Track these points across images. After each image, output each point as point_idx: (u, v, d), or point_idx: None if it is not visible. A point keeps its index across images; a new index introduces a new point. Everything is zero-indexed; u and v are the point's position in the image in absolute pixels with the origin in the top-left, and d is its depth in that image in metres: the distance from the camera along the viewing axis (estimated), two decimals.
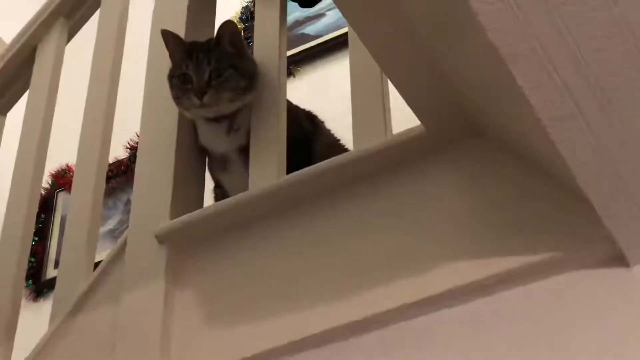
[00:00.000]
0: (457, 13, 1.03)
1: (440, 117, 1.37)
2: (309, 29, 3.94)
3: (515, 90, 1.00)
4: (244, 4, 4.22)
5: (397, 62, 1.29)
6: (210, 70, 1.71)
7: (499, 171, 1.33)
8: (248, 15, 4.18)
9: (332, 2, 2.24)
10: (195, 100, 1.69)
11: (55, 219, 4.34)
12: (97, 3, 2.18)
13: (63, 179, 4.30)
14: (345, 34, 3.78)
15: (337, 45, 3.84)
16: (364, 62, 1.59)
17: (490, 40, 0.93)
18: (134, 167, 4.07)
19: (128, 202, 4.11)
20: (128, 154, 4.13)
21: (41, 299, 4.07)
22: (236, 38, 1.77)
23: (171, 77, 1.76)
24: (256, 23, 1.82)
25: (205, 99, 1.69)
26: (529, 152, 1.27)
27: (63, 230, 4.23)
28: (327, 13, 3.95)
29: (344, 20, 3.85)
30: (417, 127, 1.41)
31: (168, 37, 1.77)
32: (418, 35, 1.21)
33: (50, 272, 4.11)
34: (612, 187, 1.08)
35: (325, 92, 3.50)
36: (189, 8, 1.88)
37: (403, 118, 1.55)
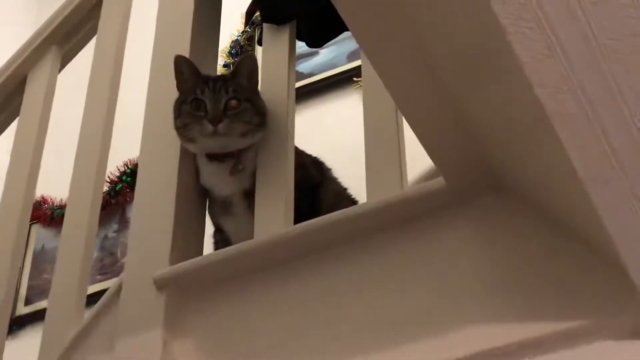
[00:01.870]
0: (494, 63, 1.02)
1: (462, 171, 1.36)
2: (302, 67, 3.94)
3: (555, 149, 0.99)
4: (234, 38, 4.22)
5: (422, 114, 1.28)
6: (227, 98, 1.70)
7: (522, 229, 1.31)
8: (238, 49, 4.18)
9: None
10: (209, 128, 1.67)
11: (27, 253, 4.29)
12: (92, 31, 2.17)
13: (37, 212, 4.25)
14: (340, 73, 3.87)
15: (330, 85, 3.84)
16: (378, 106, 1.58)
17: (536, 96, 0.92)
18: (113, 201, 4.11)
19: (105, 238, 4.08)
20: (107, 188, 4.10)
21: (9, 337, 4.01)
22: (254, 74, 1.77)
23: (181, 102, 1.74)
24: (263, 60, 1.81)
25: (220, 127, 1.67)
26: (557, 212, 1.26)
27: (36, 265, 4.24)
28: (321, 51, 3.95)
29: (338, 58, 3.88)
30: (437, 181, 1.39)
31: (182, 62, 1.75)
32: (446, 86, 1.21)
33: (20, 309, 4.05)
34: None
35: (317, 134, 3.50)
36: (192, 39, 1.86)
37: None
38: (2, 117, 2.24)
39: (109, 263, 4.02)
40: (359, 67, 3.68)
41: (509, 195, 1.34)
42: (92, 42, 2.15)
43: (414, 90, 1.23)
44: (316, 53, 3.95)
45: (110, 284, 3.57)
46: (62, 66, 2.22)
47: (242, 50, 4.16)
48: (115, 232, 4.13)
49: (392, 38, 1.14)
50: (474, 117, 1.24)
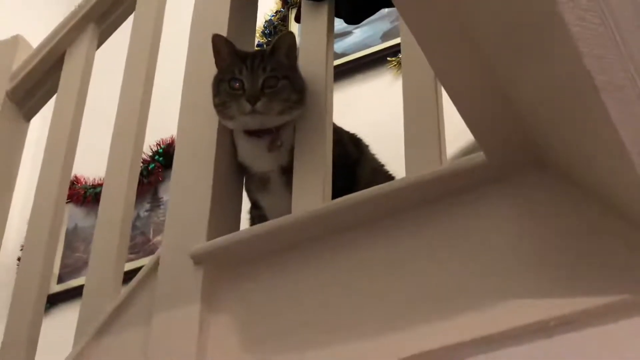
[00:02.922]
0: (540, 33, 1.01)
1: (503, 146, 1.35)
2: (336, 47, 3.92)
3: (602, 123, 0.98)
4: (268, 18, 4.22)
5: (463, 86, 1.26)
6: (265, 77, 1.70)
7: (564, 206, 1.30)
8: (272, 29, 4.18)
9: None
10: (247, 106, 1.67)
11: (61, 232, 4.32)
12: (130, 8, 2.17)
13: (71, 191, 4.27)
14: (373, 53, 3.85)
15: (364, 65, 3.83)
16: (417, 83, 1.57)
17: (585, 67, 0.91)
18: (145, 181, 4.13)
19: (137, 217, 4.10)
20: (141, 167, 4.12)
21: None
22: (292, 51, 1.77)
23: (219, 81, 1.75)
24: (301, 37, 1.80)
25: (258, 105, 1.67)
26: (600, 188, 1.25)
27: (69, 243, 4.26)
28: (355, 31, 3.94)
29: (372, 38, 3.86)
30: (477, 155, 1.38)
31: (220, 41, 1.75)
32: (488, 57, 1.19)
33: (53, 287, 4.08)
34: None
35: (350, 114, 3.48)
36: (231, 13, 1.86)
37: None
38: (40, 94, 2.25)
39: (140, 242, 4.04)
40: (392, 47, 3.70)
41: (551, 171, 1.33)
42: (130, 20, 2.15)
43: (455, 62, 1.22)
44: (350, 33, 3.94)
45: (142, 262, 3.60)
46: (100, 44, 2.23)
47: (276, 30, 4.16)
48: (147, 211, 4.15)
49: (433, 7, 1.13)
50: (516, 90, 1.22)
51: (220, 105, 1.71)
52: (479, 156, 1.38)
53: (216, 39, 1.75)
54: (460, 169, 1.40)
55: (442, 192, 1.42)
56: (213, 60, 1.78)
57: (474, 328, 1.27)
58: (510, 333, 1.25)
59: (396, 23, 3.61)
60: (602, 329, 1.21)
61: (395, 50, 3.67)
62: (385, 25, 3.82)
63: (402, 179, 1.47)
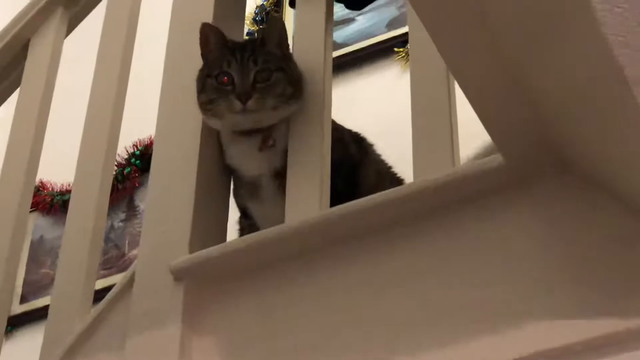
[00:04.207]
0: (564, 20, 1.02)
1: (522, 147, 1.35)
2: (336, 36, 3.94)
3: (634, 120, 0.99)
4: (259, 3, 4.23)
5: (479, 80, 1.27)
6: (256, 71, 1.71)
7: (591, 213, 1.31)
8: (264, 15, 4.19)
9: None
10: (237, 105, 1.68)
11: (24, 245, 4.31)
12: None
13: (36, 198, 4.28)
14: (378, 43, 3.86)
15: (368, 55, 3.84)
16: (427, 76, 1.58)
17: (615, 58, 0.92)
18: (120, 187, 4.13)
19: (111, 228, 4.10)
20: (114, 173, 4.12)
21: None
22: (284, 38, 1.77)
23: (205, 76, 1.75)
24: (296, 24, 1.81)
25: (250, 103, 1.68)
26: (631, 192, 1.26)
27: (34, 257, 4.27)
28: (357, 18, 3.95)
29: (377, 26, 3.87)
30: (494, 158, 1.39)
31: (209, 31, 1.76)
32: (506, 48, 1.20)
33: (15, 307, 4.08)
34: None
35: (353, 111, 3.49)
36: (216, 5, 1.86)
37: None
38: (0, 88, 2.25)
39: (114, 256, 4.05)
40: (400, 36, 3.71)
41: (576, 174, 1.34)
42: (104, 3, 2.15)
43: (470, 54, 1.23)
44: (352, 20, 3.94)
45: (116, 279, 3.60)
46: (69, 31, 2.23)
47: (268, 16, 4.16)
48: (122, 221, 4.16)
49: None
50: (536, 86, 1.23)
51: (207, 103, 1.72)
52: (496, 158, 1.39)
53: (205, 28, 1.75)
54: (475, 172, 1.41)
55: (455, 199, 1.42)
56: (197, 50, 1.78)
57: (490, 353, 1.28)
58: (531, 358, 1.26)
59: (404, 9, 3.61)
60: (632, 355, 1.22)
61: (403, 40, 3.68)
62: (391, 12, 3.83)
63: (410, 184, 1.48)
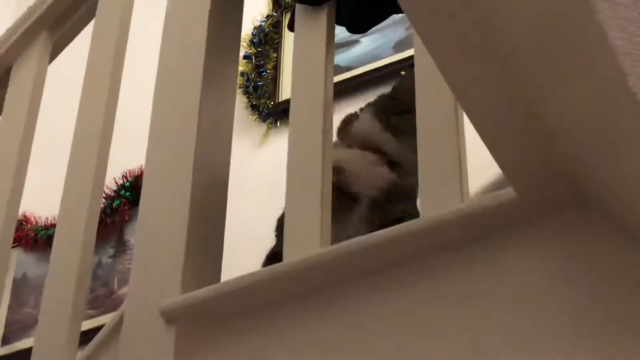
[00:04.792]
0: (577, 49, 1.02)
1: (536, 181, 1.36)
2: (339, 59, 3.95)
3: None
4: (257, 24, 4.24)
5: (489, 111, 1.28)
6: None
7: (611, 252, 1.31)
8: (262, 37, 4.20)
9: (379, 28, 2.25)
10: None
11: (6, 283, 4.32)
12: (90, 13, 2.18)
13: (18, 233, 4.29)
14: (384, 66, 3.87)
15: (373, 80, 3.85)
16: (434, 103, 1.58)
17: (630, 89, 0.93)
18: (109, 220, 4.14)
19: (99, 265, 4.11)
20: (103, 205, 4.13)
21: None
22: None
23: None
24: (295, 49, 1.82)
25: None
26: None
27: (16, 296, 4.27)
28: (362, 40, 3.96)
29: (382, 48, 3.89)
30: (505, 192, 1.39)
31: None
32: (518, 78, 1.21)
33: None
34: None
35: None
36: (211, 19, 1.87)
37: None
38: None
39: (102, 294, 4.05)
40: (407, 58, 3.72)
41: (594, 210, 1.34)
42: (90, 27, 2.16)
43: (480, 84, 1.24)
44: (356, 42, 3.96)
45: (104, 320, 3.60)
46: (53, 56, 2.24)
47: (267, 39, 4.17)
48: (110, 257, 4.17)
49: (453, 16, 1.14)
50: (551, 114, 1.24)
51: None
52: (508, 192, 1.39)
53: None
54: (484, 207, 1.41)
55: (463, 235, 1.43)
56: (187, 75, 1.80)
57: None
58: None
59: (411, 30, 3.63)
60: None
61: (410, 63, 3.68)
62: (398, 34, 3.84)
63: (414, 221, 1.47)
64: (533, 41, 1.11)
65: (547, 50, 1.09)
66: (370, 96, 3.80)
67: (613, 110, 1.04)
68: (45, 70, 2.20)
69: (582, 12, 0.89)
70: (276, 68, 4.15)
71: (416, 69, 1.65)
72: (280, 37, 4.17)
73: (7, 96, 2.18)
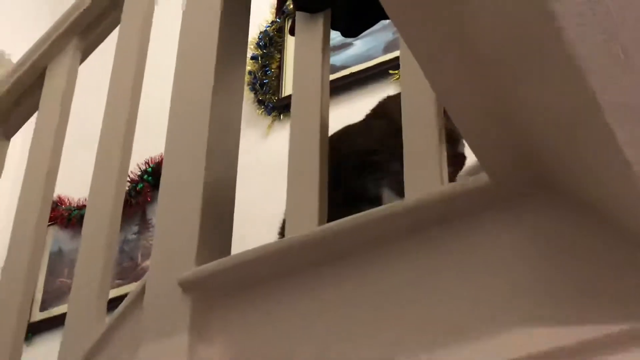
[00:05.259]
0: (543, 52, 1.02)
1: (507, 167, 1.35)
2: (335, 59, 3.94)
3: (608, 143, 0.99)
4: (262, 29, 4.23)
5: (465, 105, 1.27)
6: None
7: (573, 231, 1.31)
8: (267, 41, 4.19)
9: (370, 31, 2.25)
10: None
11: (43, 256, 4.31)
12: (115, 21, 2.18)
13: (54, 212, 4.28)
14: (375, 66, 3.86)
15: (365, 78, 3.84)
16: (418, 97, 1.58)
17: (590, 87, 0.93)
18: (133, 202, 4.14)
19: (125, 241, 4.10)
20: (128, 188, 4.12)
21: (24, 344, 4.04)
22: None
23: None
24: (295, 51, 1.82)
25: None
26: (608, 209, 1.26)
27: (52, 268, 4.27)
28: (355, 42, 3.95)
29: (374, 50, 3.88)
30: (479, 177, 1.39)
31: None
32: (491, 76, 1.21)
33: (36, 315, 4.08)
34: None
35: None
36: (221, 24, 1.87)
37: None
38: (20, 112, 2.26)
39: (128, 267, 4.04)
40: (396, 59, 3.71)
41: (559, 194, 1.33)
42: (115, 33, 2.16)
43: (457, 81, 1.23)
44: (350, 44, 3.95)
45: (129, 288, 3.61)
46: (83, 59, 2.24)
47: (271, 42, 4.17)
48: (135, 234, 4.16)
49: (433, 24, 1.14)
50: (521, 111, 1.23)
51: None
52: (482, 178, 1.39)
53: None
54: (461, 191, 1.41)
55: (443, 215, 1.42)
56: (201, 74, 1.80)
57: (479, 357, 1.28)
58: None
59: (399, 34, 3.62)
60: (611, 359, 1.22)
61: (398, 64, 3.68)
62: (388, 36, 3.83)
63: (400, 202, 1.47)
64: (503, 46, 1.11)
65: (514, 55, 1.09)
66: (362, 92, 3.81)
67: (572, 105, 1.04)
68: (77, 70, 2.20)
69: (544, 21, 0.89)
70: (279, 67, 4.14)
71: (402, 68, 1.64)
72: (283, 40, 4.16)
73: (43, 93, 2.17)
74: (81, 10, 2.18)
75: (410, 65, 1.59)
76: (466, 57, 1.18)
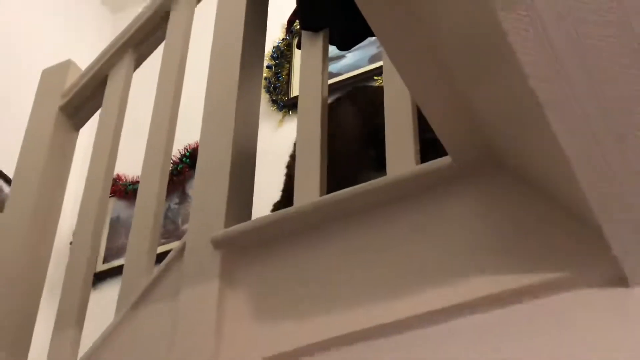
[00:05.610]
0: (494, 58, 1.02)
1: (466, 151, 1.36)
2: (330, 68, 3.93)
3: (547, 133, 0.99)
4: (275, 44, 4.23)
5: (433, 103, 1.28)
6: None
7: (516, 200, 1.32)
8: (278, 54, 4.20)
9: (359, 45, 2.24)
10: None
11: (105, 222, 4.31)
12: (161, 37, 2.17)
13: (114, 187, 4.28)
14: (362, 73, 3.86)
15: (354, 83, 3.82)
16: (396, 97, 1.57)
17: (531, 87, 0.93)
18: (175, 179, 4.14)
19: (168, 209, 4.10)
20: (171, 168, 4.11)
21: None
22: None
23: None
24: (301, 61, 1.81)
25: None
26: (546, 185, 1.26)
27: (112, 231, 4.27)
28: (347, 55, 3.94)
29: (361, 61, 3.87)
30: (445, 158, 1.39)
31: None
32: (453, 78, 1.21)
33: (100, 266, 4.09)
34: (623, 217, 1.07)
35: None
36: (244, 42, 1.87)
37: None
38: (87, 108, 2.25)
39: (171, 229, 4.04)
40: (378, 68, 3.71)
41: (506, 171, 1.34)
42: (161, 47, 2.15)
43: (426, 83, 1.24)
44: (343, 56, 3.94)
45: (172, 246, 3.61)
46: (136, 66, 2.23)
47: (282, 54, 4.17)
48: (176, 204, 4.16)
49: (407, 39, 1.14)
50: (478, 106, 1.24)
51: None
52: (447, 159, 1.39)
53: None
54: (430, 169, 1.41)
55: (417, 188, 1.43)
56: (228, 78, 1.80)
57: (441, 299, 1.29)
58: (471, 303, 1.26)
59: (382, 48, 3.61)
60: (546, 300, 1.22)
61: (380, 72, 3.67)
62: (372, 50, 3.84)
63: (383, 178, 1.47)
64: (461, 54, 1.10)
65: (472, 57, 1.09)
66: None
67: (518, 100, 1.04)
68: (131, 76, 2.19)
69: (496, 31, 0.89)
70: (288, 74, 4.14)
71: (384, 74, 1.64)
72: (291, 53, 4.15)
73: (105, 94, 2.16)
74: (135, 28, 2.17)
75: (390, 72, 1.58)
76: (434, 65, 1.19)
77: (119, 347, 1.63)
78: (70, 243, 3.86)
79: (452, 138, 1.34)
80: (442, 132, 1.32)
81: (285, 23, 4.17)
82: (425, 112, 1.28)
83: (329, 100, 1.85)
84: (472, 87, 1.19)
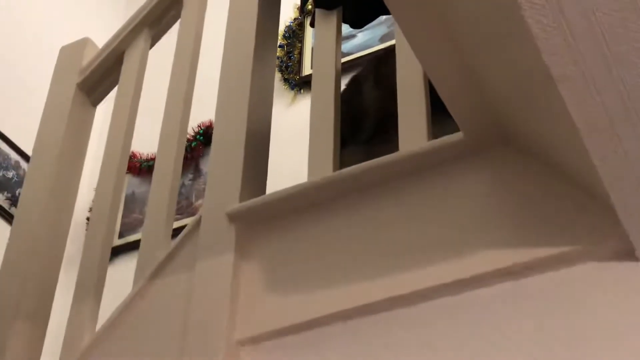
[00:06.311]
0: (508, 34, 1.01)
1: (477, 127, 1.35)
2: (343, 47, 3.90)
3: (558, 106, 0.98)
4: (287, 24, 4.22)
5: (445, 79, 1.27)
6: None
7: (526, 174, 1.31)
8: (291, 33, 4.19)
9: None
10: None
11: (121, 197, 4.32)
12: (177, 16, 2.17)
13: (129, 164, 4.28)
14: (373, 52, 3.83)
15: (364, 62, 3.82)
16: (408, 74, 1.57)
17: (545, 62, 0.92)
18: (189, 156, 4.14)
19: (182, 185, 4.11)
20: (185, 145, 4.11)
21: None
22: None
23: None
24: (315, 39, 1.81)
25: None
26: (555, 159, 1.26)
27: (127, 206, 4.28)
28: (358, 35, 3.92)
29: (372, 40, 3.85)
30: (456, 134, 1.39)
31: None
32: (465, 54, 1.20)
33: (115, 241, 4.10)
34: (633, 190, 1.07)
35: None
36: (258, 21, 1.86)
37: None
38: (104, 85, 2.25)
39: (185, 205, 4.05)
40: (389, 47, 3.68)
41: (516, 146, 1.34)
42: (177, 25, 2.15)
43: (439, 59, 1.23)
44: (354, 36, 3.92)
45: (186, 222, 3.62)
46: (152, 44, 2.22)
47: (294, 34, 4.16)
48: (190, 180, 4.17)
49: (421, 14, 1.13)
50: (489, 81, 1.23)
51: None
52: (458, 135, 1.39)
53: None
54: (442, 145, 1.41)
55: (429, 163, 1.43)
56: (243, 59, 1.79)
57: (453, 272, 1.29)
58: (483, 276, 1.27)
59: (392, 28, 3.59)
60: (557, 273, 1.23)
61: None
62: (382, 30, 3.82)
63: (394, 154, 1.47)
64: (477, 29, 1.10)
65: (484, 30, 1.08)
66: None
67: (530, 76, 1.04)
68: (147, 54, 2.19)
69: (512, 10, 0.88)
70: (300, 54, 4.12)
71: (397, 50, 1.63)
72: (303, 33, 4.14)
73: (122, 71, 2.16)
74: (151, 6, 2.16)
75: (404, 48, 1.57)
76: (446, 38, 1.18)
77: (136, 317, 1.64)
78: (87, 219, 3.89)
79: (463, 113, 1.33)
80: (453, 107, 1.32)
81: (299, 3, 4.15)
82: (437, 87, 1.28)
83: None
84: (483, 61, 1.18)
